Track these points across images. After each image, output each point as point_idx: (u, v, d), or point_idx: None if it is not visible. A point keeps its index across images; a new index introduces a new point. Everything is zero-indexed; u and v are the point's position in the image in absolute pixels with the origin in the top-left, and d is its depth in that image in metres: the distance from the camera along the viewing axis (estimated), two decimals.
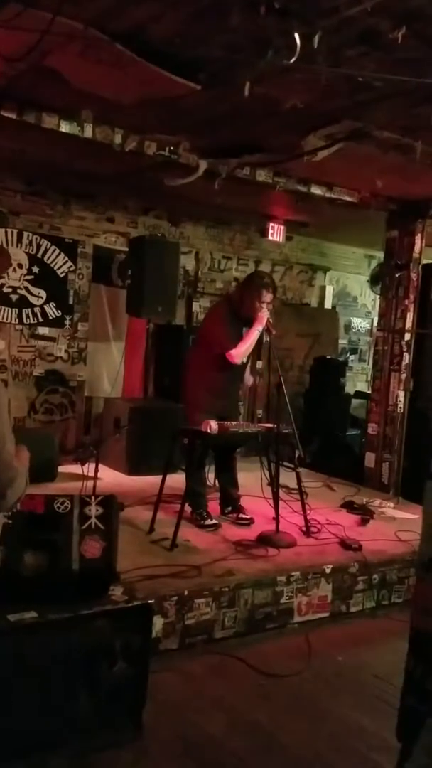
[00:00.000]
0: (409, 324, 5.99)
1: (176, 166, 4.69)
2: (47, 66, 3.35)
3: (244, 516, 4.63)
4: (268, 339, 4.44)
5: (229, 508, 4.70)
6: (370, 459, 6.23)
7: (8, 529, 2.52)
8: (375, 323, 7.21)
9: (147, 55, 3.12)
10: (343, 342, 8.74)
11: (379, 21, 2.70)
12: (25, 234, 6.25)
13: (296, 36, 2.74)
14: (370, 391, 6.62)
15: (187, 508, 4.29)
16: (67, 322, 6.60)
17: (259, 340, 4.42)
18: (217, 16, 2.76)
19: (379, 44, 2.88)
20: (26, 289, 6.28)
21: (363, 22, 2.71)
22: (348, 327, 8.86)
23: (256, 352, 4.56)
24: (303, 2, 2.60)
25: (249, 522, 4.57)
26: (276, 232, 7.17)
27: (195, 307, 7.39)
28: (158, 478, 4.37)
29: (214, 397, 4.45)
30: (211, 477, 4.77)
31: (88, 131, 4.27)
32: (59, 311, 6.53)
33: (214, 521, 4.44)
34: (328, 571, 3.90)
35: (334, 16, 2.65)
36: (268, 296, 4.34)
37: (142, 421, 5.87)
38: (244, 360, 4.45)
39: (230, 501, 4.72)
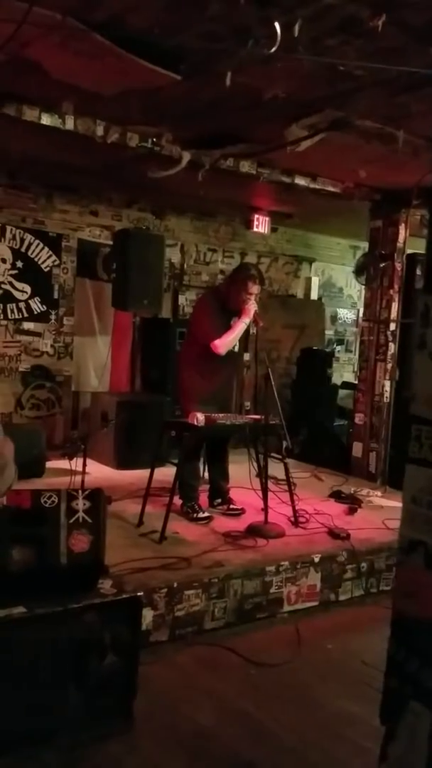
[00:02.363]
0: (394, 314, 6.02)
1: (159, 157, 4.67)
2: (27, 57, 3.32)
3: (234, 507, 4.65)
4: (254, 331, 4.45)
5: (218, 500, 4.71)
6: (357, 449, 6.26)
7: None
8: (360, 314, 7.22)
9: (126, 46, 3.09)
10: (329, 333, 8.76)
11: (359, 9, 2.69)
12: (8, 228, 6.20)
13: (276, 25, 2.73)
14: (356, 382, 6.64)
15: (176, 501, 4.30)
16: (53, 317, 6.56)
17: (246, 332, 4.44)
18: (196, 5, 2.75)
19: (359, 33, 2.87)
20: (10, 284, 6.24)
21: (343, 11, 2.70)
22: (334, 318, 8.88)
23: (243, 344, 4.57)
24: None
25: (239, 512, 4.59)
26: (261, 224, 7.16)
27: (181, 299, 7.38)
28: (146, 472, 4.37)
29: (209, 388, 4.47)
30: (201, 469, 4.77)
31: (69, 123, 4.23)
32: (44, 306, 6.49)
33: (206, 514, 4.46)
34: (316, 560, 3.92)
35: (314, 5, 2.64)
36: (254, 288, 4.35)
37: (130, 414, 5.86)
38: (235, 351, 4.47)
39: (219, 493, 4.73)
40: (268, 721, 2.78)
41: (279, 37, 2.77)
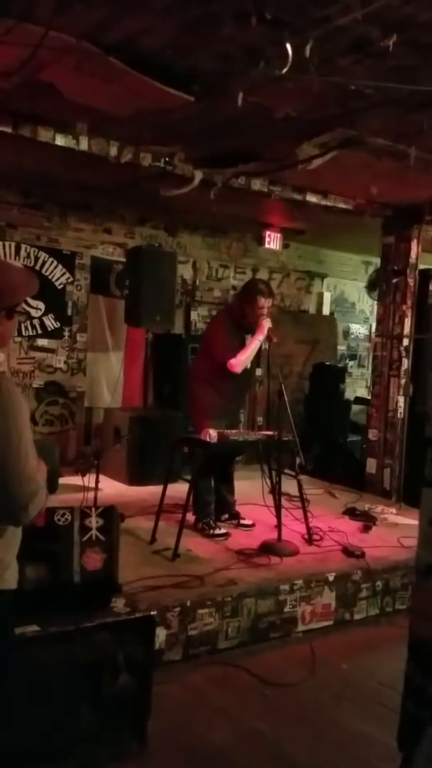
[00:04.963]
0: (407, 329, 6.00)
1: (172, 176, 4.72)
2: (42, 80, 3.37)
3: (245, 522, 4.65)
4: (267, 347, 4.46)
5: (226, 516, 4.70)
6: (371, 465, 6.22)
7: None
8: (373, 329, 7.21)
9: (140, 67, 3.14)
10: (341, 348, 8.75)
11: (370, 29, 2.72)
12: (23, 246, 6.27)
13: (288, 46, 2.76)
14: (369, 397, 6.61)
15: (189, 518, 4.29)
16: (66, 334, 6.61)
17: (259, 348, 4.44)
18: (209, 27, 2.79)
19: (370, 52, 2.90)
20: (25, 301, 6.28)
21: (354, 31, 2.73)
22: (346, 333, 8.87)
23: (256, 359, 4.58)
24: (294, 12, 2.63)
25: (251, 526, 4.60)
26: (273, 240, 7.19)
27: (193, 315, 7.40)
28: (159, 488, 4.37)
29: (224, 405, 4.49)
30: None
31: (83, 144, 4.29)
32: (58, 323, 6.54)
33: (223, 530, 4.44)
34: (331, 578, 3.88)
35: (326, 26, 2.67)
36: (264, 302, 4.36)
37: (142, 430, 5.87)
38: (248, 367, 4.48)
39: (226, 507, 4.72)
40: (282, 742, 2.75)
41: (290, 58, 2.80)
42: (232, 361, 4.29)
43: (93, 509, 2.69)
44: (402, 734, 1.91)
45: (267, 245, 7.24)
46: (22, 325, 6.30)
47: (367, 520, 4.98)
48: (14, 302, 1.79)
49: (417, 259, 6.01)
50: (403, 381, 6.00)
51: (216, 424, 4.24)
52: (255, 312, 4.35)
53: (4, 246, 6.16)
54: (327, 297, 8.57)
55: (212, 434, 4.06)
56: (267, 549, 4.14)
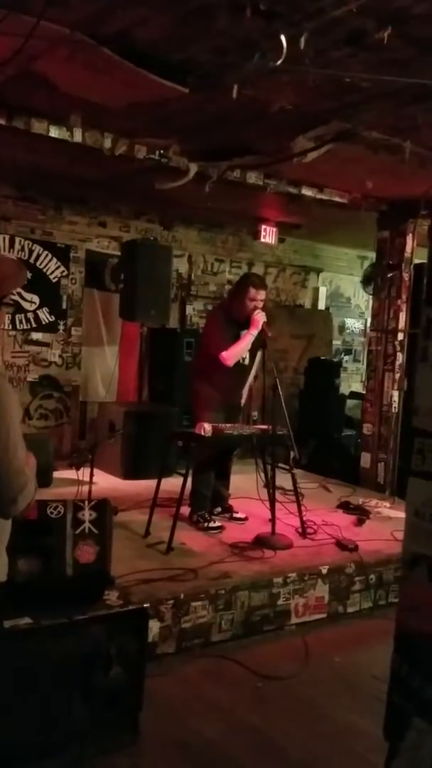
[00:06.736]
0: (402, 324, 6.01)
1: (167, 169, 4.69)
2: (35, 71, 3.35)
3: (237, 515, 4.67)
4: (262, 354, 4.47)
5: (218, 509, 4.71)
6: (365, 459, 6.24)
7: None
8: (368, 324, 7.22)
9: (134, 59, 3.12)
10: (337, 343, 8.75)
11: (365, 22, 2.71)
12: (17, 239, 6.25)
13: (282, 38, 2.75)
14: (364, 392, 6.62)
15: (183, 511, 4.29)
16: (61, 327, 6.59)
17: (255, 344, 4.43)
18: (204, 19, 2.77)
19: (365, 45, 2.89)
20: (19, 294, 6.28)
21: (349, 23, 2.72)
22: (342, 328, 8.87)
23: (253, 354, 4.57)
24: (288, 4, 2.61)
25: (244, 519, 4.62)
26: (268, 235, 7.17)
27: (188, 310, 7.40)
28: (153, 482, 4.37)
29: (220, 399, 4.49)
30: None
31: (77, 136, 4.27)
32: (52, 316, 6.53)
33: (218, 524, 4.45)
34: (324, 572, 3.89)
35: (320, 18, 2.66)
36: (256, 293, 4.35)
37: (137, 424, 5.87)
38: (245, 362, 4.48)
39: (220, 501, 4.74)
40: (275, 735, 2.76)
41: (285, 50, 2.79)
42: (224, 354, 4.29)
43: (86, 502, 2.69)
44: (388, 725, 1.92)
45: (262, 239, 7.23)
46: (17, 318, 6.28)
47: (361, 514, 4.99)
48: (1, 294, 1.78)
49: (412, 253, 6.01)
50: (397, 375, 6.01)
51: (213, 418, 4.26)
52: (247, 305, 4.34)
53: None
54: (322, 292, 8.57)
55: (206, 428, 4.06)
56: (261, 542, 4.14)
